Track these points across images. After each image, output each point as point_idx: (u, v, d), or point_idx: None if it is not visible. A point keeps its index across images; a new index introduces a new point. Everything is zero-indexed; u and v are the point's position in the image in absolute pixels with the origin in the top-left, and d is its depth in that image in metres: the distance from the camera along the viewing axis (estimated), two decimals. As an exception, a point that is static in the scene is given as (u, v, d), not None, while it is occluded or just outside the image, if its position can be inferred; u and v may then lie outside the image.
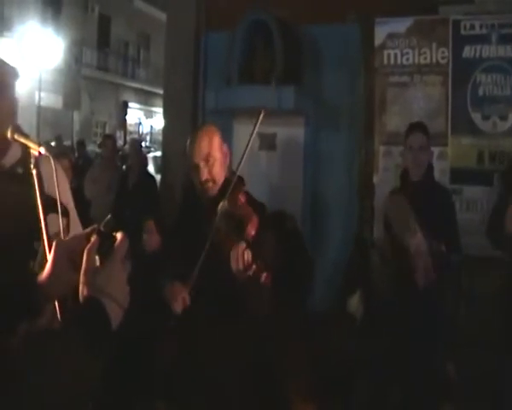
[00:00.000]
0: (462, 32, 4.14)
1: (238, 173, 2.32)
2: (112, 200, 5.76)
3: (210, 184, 2.35)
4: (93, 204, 5.86)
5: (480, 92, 4.10)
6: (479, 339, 3.40)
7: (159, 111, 21.79)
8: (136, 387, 2.43)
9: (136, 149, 6.62)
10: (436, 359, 3.26)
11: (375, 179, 4.35)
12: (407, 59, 4.29)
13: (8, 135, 1.71)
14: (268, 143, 4.63)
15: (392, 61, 4.32)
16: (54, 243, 1.24)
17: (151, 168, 10.98)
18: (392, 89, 4.33)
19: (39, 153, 1.64)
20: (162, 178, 5.61)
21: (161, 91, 5.89)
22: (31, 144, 1.67)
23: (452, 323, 3.48)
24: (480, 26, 4.10)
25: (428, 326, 3.19)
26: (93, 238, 1.12)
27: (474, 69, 4.11)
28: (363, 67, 4.42)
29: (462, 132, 4.14)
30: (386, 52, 4.33)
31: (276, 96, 4.31)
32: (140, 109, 26.20)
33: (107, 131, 21.02)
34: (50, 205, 1.64)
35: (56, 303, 1.43)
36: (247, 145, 2.27)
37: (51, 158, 1.62)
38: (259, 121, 2.28)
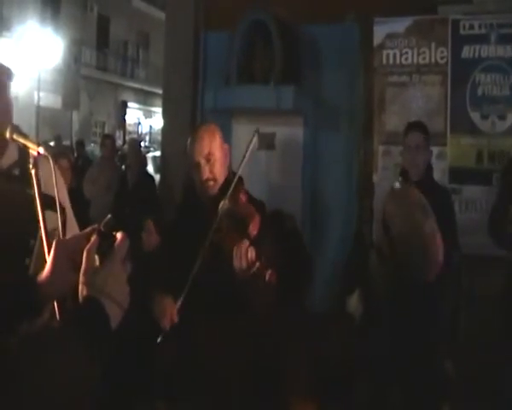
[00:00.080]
0: (461, 31, 4.15)
1: (239, 174, 2.32)
2: (111, 200, 5.76)
3: (211, 182, 2.35)
4: (92, 204, 5.86)
5: (479, 92, 4.11)
6: (478, 339, 3.40)
7: (158, 111, 21.80)
8: (136, 387, 2.43)
9: (136, 149, 6.63)
10: (435, 358, 3.26)
11: (375, 179, 4.35)
12: (406, 59, 4.29)
13: (7, 135, 1.71)
14: (267, 142, 4.63)
15: (391, 61, 4.33)
16: (54, 243, 1.24)
17: (150, 168, 10.98)
18: (392, 89, 4.34)
19: (38, 153, 1.64)
20: (161, 178, 5.61)
21: (160, 91, 5.89)
22: (30, 144, 1.67)
23: (452, 322, 3.49)
24: (479, 26, 4.11)
25: (428, 326, 3.20)
26: (93, 238, 1.12)
27: (473, 69, 4.11)
28: (362, 66, 4.42)
29: (461, 132, 4.15)
30: (385, 52, 4.33)
31: (276, 95, 4.31)
32: (139, 109, 26.20)
33: (107, 131, 21.02)
34: (46, 203, 1.65)
35: (55, 303, 1.43)
36: (245, 154, 2.27)
37: (50, 158, 1.62)
38: (253, 142, 2.28)
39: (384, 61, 4.34)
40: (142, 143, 17.57)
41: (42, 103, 17.24)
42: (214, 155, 2.36)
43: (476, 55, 4.12)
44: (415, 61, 4.27)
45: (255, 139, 2.29)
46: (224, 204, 2.21)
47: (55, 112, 19.09)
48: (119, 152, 11.72)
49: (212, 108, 4.61)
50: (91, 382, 1.01)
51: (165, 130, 5.56)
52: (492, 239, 3.22)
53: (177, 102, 5.06)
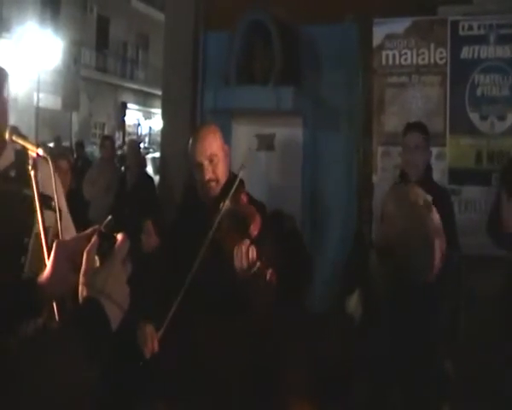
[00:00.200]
0: (461, 32, 4.15)
1: (237, 173, 2.33)
2: (110, 201, 5.76)
3: (213, 183, 2.36)
4: (92, 205, 5.86)
5: (479, 93, 4.11)
6: (478, 339, 3.41)
7: (157, 112, 21.80)
8: (136, 387, 2.43)
9: (135, 150, 6.63)
10: (435, 358, 3.26)
11: (374, 180, 4.35)
12: (405, 59, 4.29)
13: (7, 136, 1.72)
14: (267, 143, 4.63)
15: (390, 62, 4.33)
16: (54, 244, 1.24)
17: (150, 169, 10.99)
18: (391, 89, 4.34)
19: (37, 154, 1.64)
20: (161, 179, 5.61)
21: (160, 92, 5.89)
22: (29, 146, 1.68)
23: (452, 323, 3.49)
24: (479, 27, 4.11)
25: (428, 326, 3.20)
26: (93, 239, 1.12)
27: (473, 70, 4.12)
28: (361, 67, 4.42)
29: (460, 133, 4.15)
30: (384, 53, 4.34)
31: (275, 96, 4.31)
32: (139, 110, 26.21)
33: (106, 132, 21.04)
34: (43, 201, 1.66)
35: (54, 304, 1.43)
36: (236, 182, 2.28)
37: (49, 159, 1.63)
38: (240, 176, 2.29)
39: (383, 62, 4.34)
40: (142, 145, 17.58)
41: (41, 104, 17.24)
42: (217, 155, 2.37)
43: (475, 55, 4.12)
44: (414, 61, 4.27)
45: (241, 174, 2.31)
46: (225, 204, 2.22)
47: (54, 113, 19.09)
48: (119, 153, 11.73)
49: (212, 108, 4.62)
50: (91, 382, 1.01)
51: (164, 131, 5.56)
52: (492, 239, 3.22)
53: (177, 103, 5.07)
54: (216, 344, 2.19)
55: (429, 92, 4.23)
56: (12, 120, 1.88)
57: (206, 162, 2.36)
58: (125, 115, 25.20)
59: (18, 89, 17.95)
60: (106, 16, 23.22)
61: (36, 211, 1.69)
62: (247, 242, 2.10)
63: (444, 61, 4.20)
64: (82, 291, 1.07)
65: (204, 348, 2.22)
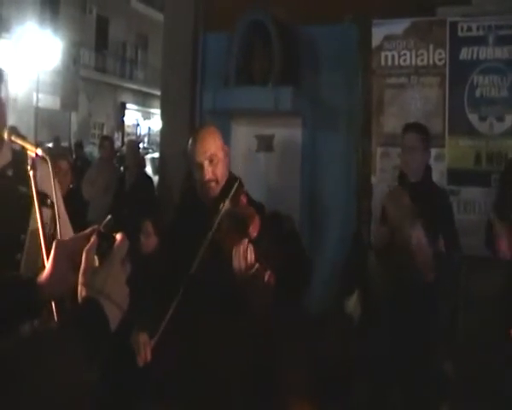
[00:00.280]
0: (460, 33, 4.15)
1: (236, 174, 2.33)
2: (109, 201, 5.76)
3: (213, 183, 2.36)
4: (91, 205, 5.86)
5: (477, 94, 4.11)
6: (478, 339, 3.40)
7: (156, 112, 21.79)
8: (136, 388, 2.43)
9: (134, 151, 6.63)
10: (434, 358, 3.27)
11: (373, 180, 4.36)
12: (404, 60, 4.29)
13: (5, 136, 1.72)
14: (266, 144, 4.63)
15: (389, 63, 4.33)
16: (54, 244, 1.24)
17: (149, 170, 10.98)
18: (390, 90, 4.34)
19: (36, 154, 1.65)
20: (160, 180, 5.61)
21: (159, 93, 5.89)
22: (28, 146, 1.68)
23: (451, 323, 3.49)
24: (477, 28, 4.11)
25: (427, 326, 3.20)
26: (92, 239, 1.12)
27: (471, 71, 4.12)
28: (360, 68, 4.42)
29: (459, 134, 4.15)
30: (383, 53, 4.34)
31: (274, 97, 4.31)
32: (138, 111, 26.20)
33: (105, 133, 21.03)
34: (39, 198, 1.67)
35: (53, 304, 1.44)
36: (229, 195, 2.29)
37: (48, 159, 1.63)
38: (234, 189, 2.30)
39: (382, 63, 4.34)
40: (141, 145, 17.58)
41: (40, 105, 17.23)
42: (216, 156, 2.38)
43: (474, 56, 4.12)
44: (413, 62, 4.28)
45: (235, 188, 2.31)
46: (225, 205, 2.22)
47: (53, 113, 19.09)
48: (118, 153, 11.72)
49: (211, 109, 4.62)
50: (91, 382, 1.01)
51: (163, 131, 5.57)
52: (489, 251, 3.22)
53: (176, 104, 5.07)
54: (216, 344, 2.19)
55: (428, 93, 4.23)
56: (11, 120, 1.89)
57: (205, 163, 2.36)
58: (124, 115, 25.19)
59: (17, 89, 17.95)
60: (105, 17, 23.21)
61: (31, 208, 1.71)
62: (246, 243, 2.10)
63: (443, 62, 4.20)
64: (81, 291, 1.07)
65: (204, 348, 2.22)
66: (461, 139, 4.15)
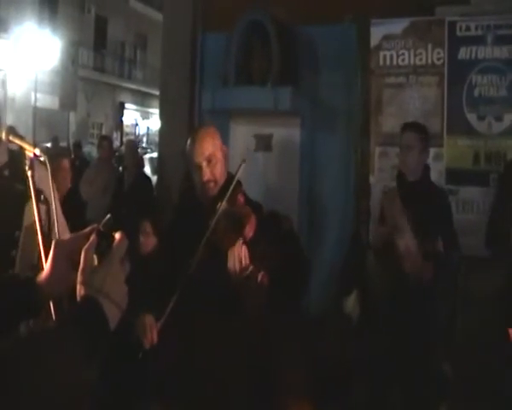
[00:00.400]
0: (458, 33, 4.16)
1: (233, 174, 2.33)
2: (108, 201, 5.75)
3: (212, 184, 2.36)
4: (89, 205, 5.85)
5: (476, 93, 4.12)
6: (478, 339, 3.41)
7: (155, 112, 21.75)
8: (136, 387, 2.43)
9: (133, 151, 6.62)
10: (433, 358, 3.27)
11: (372, 180, 4.36)
12: (403, 60, 4.30)
13: (3, 136, 1.72)
14: (264, 143, 4.63)
15: (388, 62, 4.33)
16: (53, 243, 1.24)
17: (147, 169, 10.97)
18: (388, 90, 4.34)
19: (34, 154, 1.65)
20: (158, 180, 5.61)
21: (158, 92, 5.89)
22: (26, 146, 1.68)
23: (449, 323, 3.49)
24: (476, 28, 4.11)
25: (425, 326, 3.20)
26: (92, 238, 1.12)
27: (470, 70, 4.12)
28: (359, 68, 4.42)
29: (457, 133, 4.15)
30: (382, 53, 4.34)
31: (273, 96, 4.31)
32: (136, 110, 26.18)
33: (104, 133, 21.01)
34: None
35: (51, 303, 1.44)
36: (234, 181, 2.28)
37: (46, 159, 1.63)
38: (241, 170, 2.30)
39: (381, 63, 4.34)
40: (140, 145, 17.56)
41: (39, 104, 17.20)
42: (215, 156, 2.38)
43: (473, 56, 4.13)
44: (411, 62, 4.28)
45: (242, 168, 2.31)
46: (222, 204, 2.22)
47: (52, 113, 19.07)
48: (117, 153, 11.70)
49: (210, 109, 4.62)
50: (90, 382, 1.01)
51: (162, 131, 5.56)
52: (490, 251, 3.22)
53: (175, 104, 5.07)
54: (212, 344, 2.19)
55: (427, 93, 4.24)
56: (9, 119, 1.90)
57: (204, 163, 2.36)
58: (122, 115, 25.17)
59: (16, 89, 17.93)
60: (104, 16, 23.18)
61: (26, 204, 1.72)
62: (241, 244, 2.10)
63: (441, 61, 4.20)
64: (80, 290, 1.07)
65: (200, 348, 2.22)
66: (459, 139, 4.15)
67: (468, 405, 3.26)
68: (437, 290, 3.25)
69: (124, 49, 25.05)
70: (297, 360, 2.63)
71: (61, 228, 1.76)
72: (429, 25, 4.24)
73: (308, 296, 3.74)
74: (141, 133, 26.52)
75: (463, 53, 4.14)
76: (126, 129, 25.55)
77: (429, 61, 4.23)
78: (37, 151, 1.66)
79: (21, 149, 1.71)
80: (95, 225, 1.16)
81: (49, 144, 12.06)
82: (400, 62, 4.30)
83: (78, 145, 12.89)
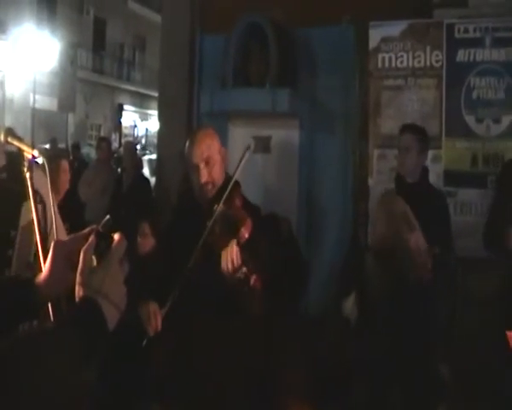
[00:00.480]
0: (456, 35, 4.17)
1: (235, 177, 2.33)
2: (107, 203, 5.76)
3: (209, 186, 2.37)
4: (88, 207, 5.86)
5: (474, 95, 4.12)
6: (475, 340, 3.41)
7: (154, 114, 21.77)
8: (136, 387, 2.43)
9: (131, 152, 6.63)
10: (431, 360, 3.27)
11: (370, 182, 4.36)
12: (401, 62, 4.30)
13: (2, 138, 1.73)
14: (263, 145, 4.63)
15: (386, 65, 4.34)
16: (52, 244, 1.25)
17: (146, 171, 10.98)
18: (387, 92, 4.35)
19: (33, 156, 1.65)
20: (157, 181, 5.61)
21: (156, 94, 5.89)
22: (24, 147, 1.69)
23: (448, 324, 3.50)
24: (474, 30, 4.13)
25: (424, 327, 3.20)
26: (90, 238, 1.12)
27: (468, 72, 4.13)
28: (357, 70, 4.43)
29: (456, 135, 4.16)
30: (380, 55, 4.35)
31: (271, 98, 4.32)
32: (135, 112, 26.18)
33: (103, 134, 21.02)
34: (28, 195, 1.68)
35: (49, 304, 1.44)
36: (237, 168, 2.28)
37: (44, 160, 1.64)
38: (246, 156, 2.29)
39: (379, 65, 4.35)
40: (138, 146, 17.56)
41: (37, 106, 17.20)
42: (213, 158, 2.38)
43: (471, 58, 4.14)
44: (410, 64, 4.29)
45: (247, 154, 2.30)
46: (218, 207, 2.22)
47: (50, 114, 19.06)
48: (115, 155, 11.70)
49: (208, 110, 4.62)
50: (88, 382, 1.01)
51: (161, 133, 5.57)
52: (489, 251, 3.22)
53: (173, 105, 5.07)
54: (209, 346, 2.19)
55: (425, 95, 4.24)
56: (8, 121, 1.90)
57: (202, 165, 2.36)
58: (121, 117, 25.17)
59: (14, 90, 17.93)
60: (102, 18, 23.19)
61: (22, 204, 1.73)
62: (234, 246, 2.10)
63: (439, 63, 4.21)
64: (78, 291, 1.07)
65: (198, 350, 2.22)
66: (457, 141, 4.16)
67: (468, 405, 3.26)
68: (435, 292, 3.25)
69: (122, 51, 25.06)
70: (297, 360, 2.63)
71: (58, 229, 1.76)
72: (427, 27, 4.25)
73: (308, 297, 3.74)
74: (139, 135, 26.51)
75: (461, 55, 4.15)
76: (125, 130, 25.54)
77: (427, 63, 4.24)
78: (36, 152, 1.67)
79: (20, 150, 1.72)
80: (94, 226, 1.16)
81: (47, 146, 12.06)
82: (399, 65, 4.31)
83: (76, 147, 12.88)
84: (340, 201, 4.52)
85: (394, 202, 3.31)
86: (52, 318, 1.42)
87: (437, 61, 4.22)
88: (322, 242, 4.52)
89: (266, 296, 2.15)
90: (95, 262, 1.09)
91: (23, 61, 17.04)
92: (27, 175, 1.68)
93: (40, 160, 1.69)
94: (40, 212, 1.80)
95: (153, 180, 6.70)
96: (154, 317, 2.21)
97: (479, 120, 4.11)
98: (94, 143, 15.04)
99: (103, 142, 7.15)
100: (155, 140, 7.78)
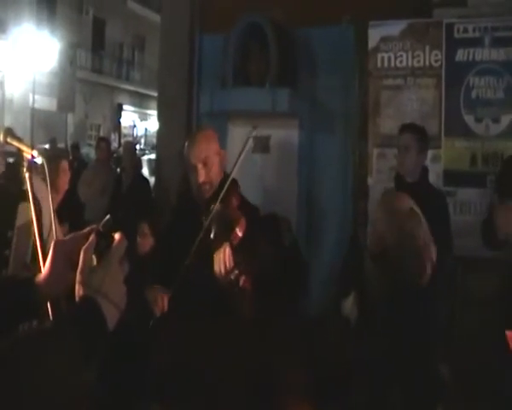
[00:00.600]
0: (456, 35, 4.17)
1: (233, 176, 2.33)
2: (106, 203, 5.75)
3: (207, 186, 2.38)
4: (87, 207, 5.86)
5: (473, 95, 4.13)
6: (478, 339, 3.41)
7: (153, 113, 21.77)
8: (136, 387, 2.43)
9: (131, 152, 6.63)
10: (430, 360, 3.27)
11: (370, 182, 4.36)
12: (401, 62, 4.31)
13: (1, 138, 1.73)
14: (262, 145, 4.63)
15: (385, 64, 4.34)
16: (52, 243, 1.25)
17: (145, 171, 10.98)
18: (386, 91, 4.35)
19: (32, 156, 1.65)
20: (156, 181, 5.61)
21: (156, 94, 5.90)
22: (24, 147, 1.69)
23: (448, 324, 3.49)
24: (473, 29, 4.13)
25: (424, 327, 3.20)
26: (91, 238, 1.12)
27: (467, 72, 4.13)
28: (357, 69, 4.43)
29: (455, 135, 4.16)
30: (379, 55, 4.35)
31: (271, 98, 4.32)
32: (134, 112, 26.18)
33: (102, 134, 21.01)
34: (24, 196, 1.69)
35: (48, 303, 1.44)
36: (241, 154, 2.28)
37: (44, 161, 1.64)
38: (252, 137, 2.29)
39: (379, 64, 4.35)
40: (138, 146, 17.57)
41: (37, 106, 17.20)
42: (211, 159, 2.39)
43: (470, 58, 4.14)
44: (409, 64, 4.29)
45: (252, 138, 2.30)
46: (214, 207, 2.22)
47: (50, 114, 19.06)
48: (115, 155, 11.71)
49: (208, 110, 4.62)
50: (88, 382, 1.01)
51: (160, 132, 5.56)
52: (485, 245, 3.23)
53: (173, 105, 5.07)
54: (206, 346, 2.19)
55: (424, 95, 4.25)
56: (7, 121, 1.90)
57: (200, 165, 2.37)
58: (120, 117, 25.18)
59: (14, 90, 17.92)
60: (102, 18, 23.19)
61: (18, 205, 1.73)
62: (227, 248, 2.11)
63: (439, 63, 4.22)
64: (78, 290, 1.07)
65: (195, 350, 2.22)
66: (457, 140, 4.16)
67: (468, 405, 3.26)
68: (435, 292, 3.25)
69: (122, 51, 25.06)
70: (297, 360, 2.63)
71: (56, 233, 1.76)
72: (427, 27, 4.25)
73: (307, 297, 3.74)
74: (139, 135, 26.51)
75: (461, 55, 4.15)
76: (124, 130, 25.54)
77: (427, 62, 4.24)
78: (35, 153, 1.67)
79: (19, 150, 1.72)
80: (94, 226, 1.16)
81: (47, 146, 12.06)
82: (398, 64, 4.31)
83: (76, 147, 12.88)
84: (339, 201, 4.52)
85: (397, 199, 3.30)
86: (51, 317, 1.42)
87: (436, 61, 4.22)
88: (322, 241, 4.52)
89: (258, 297, 2.15)
90: (95, 262, 1.09)
91: (22, 61, 17.05)
92: (26, 175, 1.68)
93: (39, 160, 1.69)
94: (38, 211, 1.80)
95: (152, 180, 6.70)
96: (161, 298, 2.22)
97: (478, 120, 4.11)
98: (93, 143, 15.02)
99: (103, 142, 7.15)
100: (155, 140, 7.79)
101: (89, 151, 15.59)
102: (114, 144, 19.59)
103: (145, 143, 24.86)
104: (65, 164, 4.35)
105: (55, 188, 2.60)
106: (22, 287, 1.23)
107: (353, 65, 4.44)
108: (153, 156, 12.08)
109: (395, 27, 4.32)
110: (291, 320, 2.66)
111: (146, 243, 3.67)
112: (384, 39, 4.33)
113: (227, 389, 2.21)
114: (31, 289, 1.21)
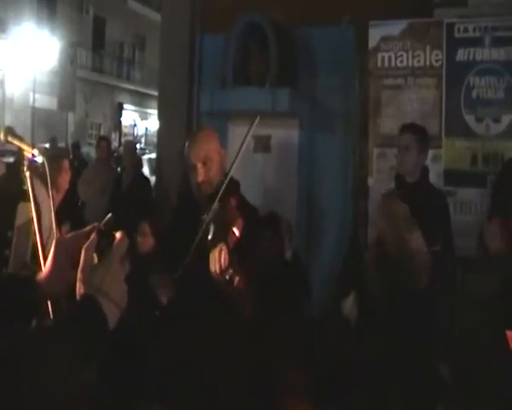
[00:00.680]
0: (456, 34, 4.16)
1: (233, 176, 2.34)
2: (106, 202, 5.75)
3: (206, 185, 2.38)
4: (87, 206, 5.86)
5: (474, 95, 4.12)
6: (478, 339, 3.41)
7: (154, 113, 21.76)
8: (136, 387, 2.44)
9: (131, 151, 6.62)
10: (430, 360, 3.27)
11: (370, 182, 4.36)
12: (401, 61, 4.30)
13: (2, 137, 1.73)
14: (263, 145, 4.63)
15: (386, 64, 4.34)
16: (54, 242, 1.24)
17: (146, 170, 10.97)
18: (387, 91, 4.35)
19: (33, 155, 1.65)
20: (157, 180, 5.61)
21: (156, 93, 5.90)
22: (24, 146, 1.69)
23: (448, 324, 3.49)
24: (474, 29, 4.12)
25: (424, 327, 3.20)
26: (92, 236, 1.12)
27: (468, 72, 4.13)
28: (357, 69, 4.43)
29: (455, 135, 4.16)
30: (380, 55, 4.35)
31: (271, 98, 4.32)
32: (135, 111, 26.18)
33: (102, 133, 21.00)
34: (24, 195, 1.69)
35: (49, 302, 1.44)
36: (243, 143, 2.28)
37: (44, 160, 1.64)
38: (255, 125, 2.30)
39: (379, 64, 4.35)
40: (138, 145, 17.56)
41: (37, 105, 17.21)
42: (211, 158, 2.40)
43: (471, 57, 4.14)
44: (410, 63, 4.28)
45: (256, 121, 2.31)
46: (212, 207, 2.23)
47: (50, 113, 19.06)
48: (115, 154, 11.70)
49: (208, 110, 4.62)
50: (88, 381, 1.01)
51: (160, 132, 5.56)
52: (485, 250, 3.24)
53: (173, 105, 5.07)
54: (206, 346, 2.19)
55: (425, 94, 4.24)
56: (8, 120, 1.91)
57: (199, 165, 2.38)
58: (121, 116, 25.17)
59: (14, 89, 17.92)
60: (102, 17, 23.18)
61: (18, 204, 1.74)
62: (223, 248, 2.11)
63: (439, 63, 4.21)
64: (79, 288, 1.07)
65: (195, 350, 2.22)
66: (457, 140, 4.16)
67: (468, 405, 3.26)
68: (435, 291, 3.25)
69: (122, 50, 25.06)
70: (297, 360, 2.63)
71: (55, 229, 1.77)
72: (427, 26, 4.25)
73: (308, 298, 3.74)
74: (139, 134, 26.51)
75: (461, 55, 4.15)
76: (125, 130, 25.54)
77: (427, 62, 4.24)
78: (36, 152, 1.67)
79: (20, 150, 1.72)
80: (95, 224, 1.16)
81: (47, 145, 12.05)
82: (398, 64, 4.31)
83: (76, 146, 12.87)
84: (339, 200, 4.52)
85: (395, 203, 3.31)
86: (51, 315, 1.42)
87: (437, 61, 4.22)
88: (322, 241, 4.52)
89: (257, 297, 2.16)
90: (96, 260, 1.09)
91: (23, 60, 17.05)
92: (27, 174, 1.68)
93: (40, 159, 1.69)
94: (36, 213, 1.80)
95: (152, 179, 6.70)
96: (167, 284, 2.23)
97: (478, 120, 4.11)
98: (94, 142, 15.03)
99: (103, 141, 7.15)
100: (155, 139, 7.79)
101: (89, 150, 15.58)
102: (115, 143, 19.59)
103: (145, 143, 24.87)
104: (66, 163, 4.36)
105: (55, 187, 2.60)
106: (23, 285, 1.23)
107: (353, 65, 4.44)
108: (153, 155, 12.09)
109: (395, 27, 4.32)
110: (291, 320, 2.67)
111: (146, 242, 3.67)
112: (384, 39, 4.33)
113: (227, 389, 2.21)
114: (32, 288, 1.21)
